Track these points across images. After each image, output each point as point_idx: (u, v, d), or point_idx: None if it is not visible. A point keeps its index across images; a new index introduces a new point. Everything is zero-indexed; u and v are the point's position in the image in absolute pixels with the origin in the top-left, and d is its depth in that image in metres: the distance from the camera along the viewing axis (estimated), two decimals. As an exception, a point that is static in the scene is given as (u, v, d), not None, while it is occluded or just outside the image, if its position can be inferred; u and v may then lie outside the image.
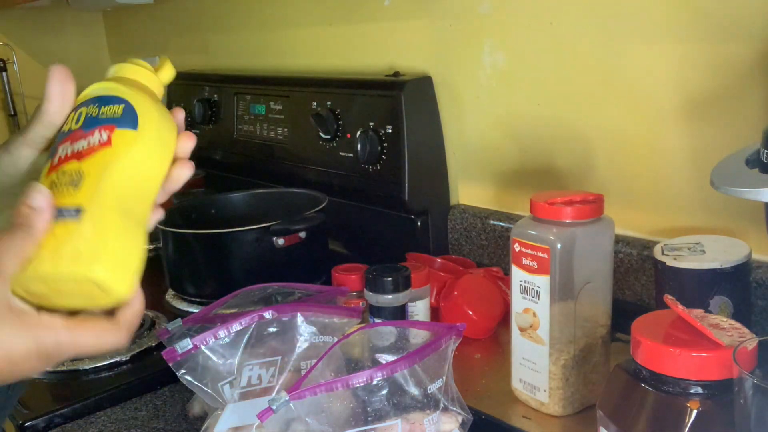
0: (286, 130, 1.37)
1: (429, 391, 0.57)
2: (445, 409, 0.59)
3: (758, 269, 0.83)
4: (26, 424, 0.82)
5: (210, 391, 0.65)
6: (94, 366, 0.93)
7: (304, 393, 0.53)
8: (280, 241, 1.06)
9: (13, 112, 1.97)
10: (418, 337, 0.64)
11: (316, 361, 0.58)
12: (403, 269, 0.83)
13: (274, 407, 0.52)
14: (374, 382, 0.54)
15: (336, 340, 0.66)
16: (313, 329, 0.67)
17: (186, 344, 0.63)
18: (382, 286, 0.82)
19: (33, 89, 2.02)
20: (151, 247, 1.21)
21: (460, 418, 0.60)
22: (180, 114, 0.53)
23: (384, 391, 0.55)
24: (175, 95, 1.71)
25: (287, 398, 0.53)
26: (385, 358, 0.61)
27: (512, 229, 0.75)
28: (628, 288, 0.96)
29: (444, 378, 0.58)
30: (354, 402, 0.56)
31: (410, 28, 1.22)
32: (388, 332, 0.65)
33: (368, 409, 0.55)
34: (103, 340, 0.48)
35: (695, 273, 0.74)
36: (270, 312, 0.66)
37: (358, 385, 0.54)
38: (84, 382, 0.91)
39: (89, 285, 0.45)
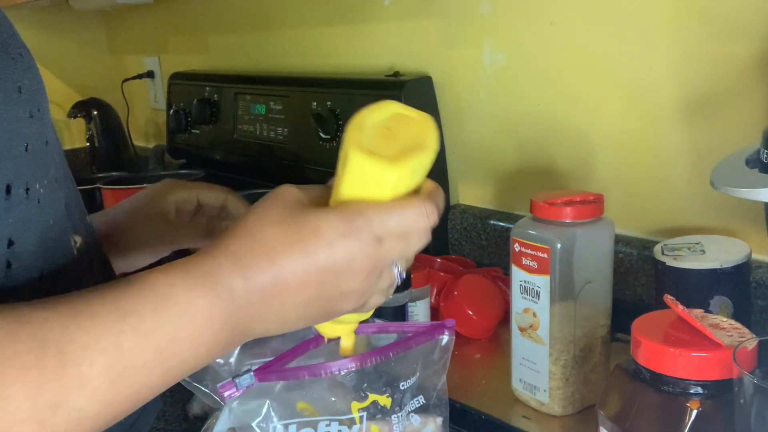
0: (286, 130, 1.37)
1: (401, 388, 0.57)
2: (424, 408, 0.59)
3: (758, 269, 0.83)
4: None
5: (209, 392, 0.65)
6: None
7: (271, 375, 0.52)
8: (280, 241, 1.06)
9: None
10: None
11: (294, 347, 0.57)
12: (403, 269, 0.83)
13: (236, 382, 0.52)
14: (343, 373, 0.54)
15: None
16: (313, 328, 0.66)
17: None
18: (382, 286, 0.82)
19: (33, 89, 2.02)
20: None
21: (439, 420, 0.60)
22: None
23: (353, 384, 0.55)
24: (175, 95, 1.71)
25: (252, 376, 0.52)
26: None
27: (512, 229, 0.75)
28: (628, 288, 0.96)
29: (416, 377, 0.58)
30: (323, 392, 0.55)
31: (410, 28, 1.22)
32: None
33: (334, 399, 0.55)
34: (411, 215, 0.45)
35: (695, 273, 0.74)
36: None
37: (326, 376, 0.53)
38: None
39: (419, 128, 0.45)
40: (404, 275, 0.49)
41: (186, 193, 0.71)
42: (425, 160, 0.46)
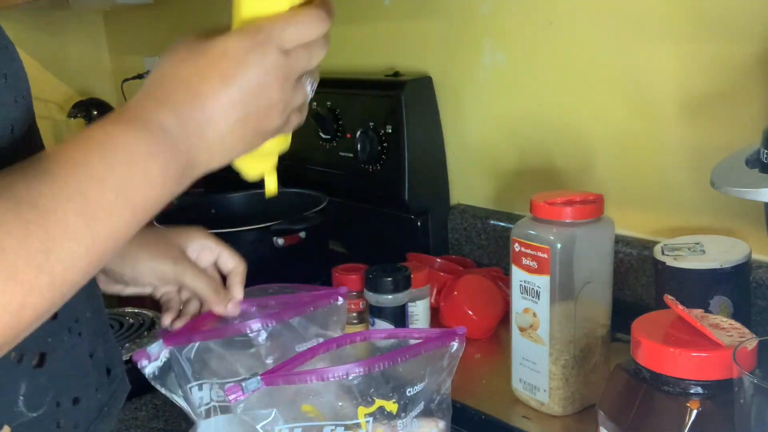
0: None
1: (408, 394, 0.57)
2: (427, 413, 0.59)
3: (758, 269, 0.83)
4: (26, 424, 0.82)
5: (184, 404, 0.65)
6: (94, 366, 0.93)
7: (278, 379, 0.53)
8: (280, 241, 1.06)
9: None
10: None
11: (304, 351, 0.58)
12: (403, 269, 0.83)
13: (243, 385, 0.52)
14: (350, 378, 0.54)
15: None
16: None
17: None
18: (382, 286, 0.82)
19: (33, 89, 2.01)
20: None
21: (441, 424, 0.60)
22: None
23: (360, 389, 0.55)
24: (175, 95, 1.71)
25: (259, 380, 0.52)
26: None
27: (512, 229, 0.75)
28: (628, 288, 0.96)
29: (424, 383, 0.58)
30: (330, 396, 0.55)
31: (410, 28, 1.22)
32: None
33: (340, 404, 0.55)
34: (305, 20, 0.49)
35: (695, 273, 0.74)
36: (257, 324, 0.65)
37: (333, 380, 0.53)
38: (84, 382, 0.91)
39: None
40: (314, 89, 0.54)
41: (211, 244, 0.72)
42: None
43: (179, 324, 0.68)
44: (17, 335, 0.38)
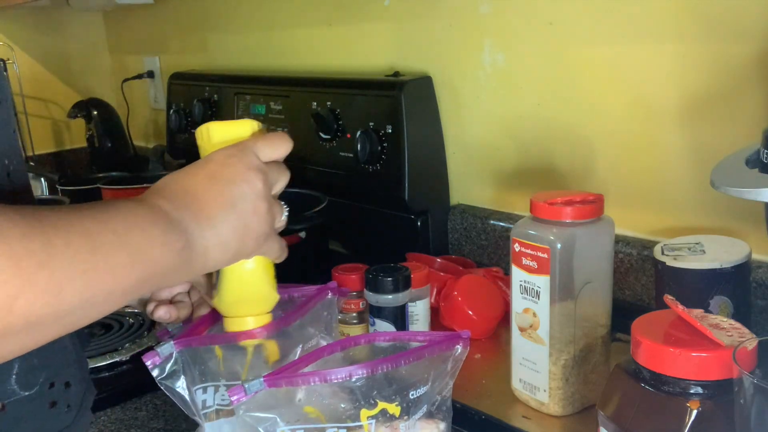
0: (285, 130, 1.37)
1: (411, 396, 0.57)
2: (429, 415, 0.59)
3: (758, 269, 0.83)
4: (26, 424, 0.82)
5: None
6: (94, 366, 0.93)
7: (280, 381, 0.53)
8: (280, 241, 1.06)
9: (13, 113, 1.97)
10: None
11: (308, 354, 0.58)
12: (403, 269, 0.83)
13: (245, 387, 0.52)
14: (353, 380, 0.54)
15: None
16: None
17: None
18: (382, 286, 0.82)
19: (33, 89, 2.02)
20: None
21: (442, 425, 0.60)
22: None
23: (363, 391, 0.55)
24: (175, 95, 1.71)
25: (262, 381, 0.52)
26: None
27: (512, 229, 0.75)
28: (628, 288, 0.96)
29: (427, 386, 0.58)
30: (332, 398, 0.55)
31: (410, 28, 1.22)
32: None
33: (343, 406, 0.55)
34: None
35: (695, 273, 0.74)
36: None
37: (335, 381, 0.53)
38: (84, 382, 0.91)
39: None
40: (287, 214, 0.61)
41: None
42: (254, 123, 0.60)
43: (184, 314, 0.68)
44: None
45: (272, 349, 0.62)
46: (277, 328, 0.63)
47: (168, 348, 0.61)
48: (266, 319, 0.62)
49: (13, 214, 0.39)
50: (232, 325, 0.61)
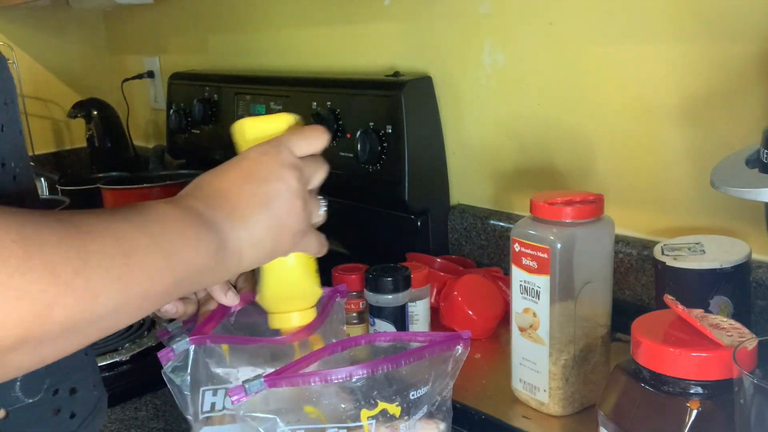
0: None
1: (411, 397, 0.57)
2: (429, 416, 0.59)
3: (758, 269, 0.83)
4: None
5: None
6: (94, 366, 0.93)
7: (281, 381, 0.53)
8: (280, 241, 1.06)
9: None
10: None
11: (308, 354, 0.58)
12: (403, 269, 0.83)
13: (246, 387, 0.52)
14: (353, 380, 0.54)
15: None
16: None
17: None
18: (382, 286, 0.82)
19: (33, 89, 2.02)
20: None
21: (442, 426, 0.60)
22: None
23: (363, 391, 0.55)
24: (175, 95, 1.71)
25: (262, 381, 0.52)
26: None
27: (512, 229, 0.75)
28: (628, 288, 0.96)
29: (428, 387, 0.58)
30: (333, 398, 0.55)
31: (410, 28, 1.22)
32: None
33: (343, 406, 0.55)
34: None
35: (695, 273, 0.74)
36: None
37: (336, 382, 0.53)
38: (84, 382, 0.91)
39: None
40: (326, 212, 0.60)
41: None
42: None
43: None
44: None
45: (317, 344, 0.62)
46: (309, 331, 0.62)
47: (183, 344, 0.60)
48: (310, 314, 0.61)
49: (52, 221, 0.39)
50: (277, 322, 0.61)
